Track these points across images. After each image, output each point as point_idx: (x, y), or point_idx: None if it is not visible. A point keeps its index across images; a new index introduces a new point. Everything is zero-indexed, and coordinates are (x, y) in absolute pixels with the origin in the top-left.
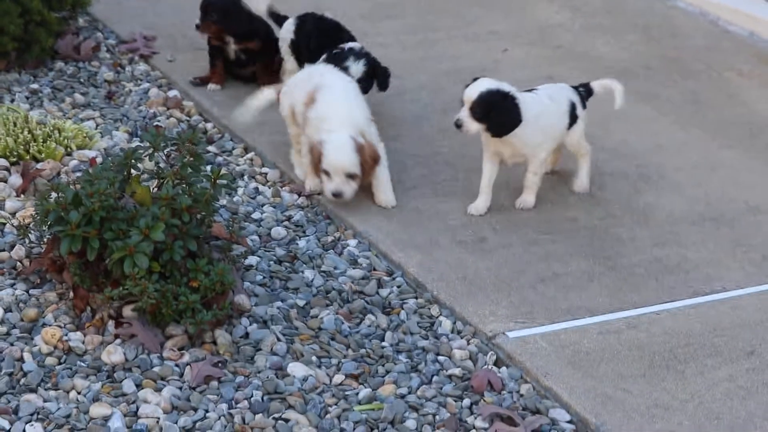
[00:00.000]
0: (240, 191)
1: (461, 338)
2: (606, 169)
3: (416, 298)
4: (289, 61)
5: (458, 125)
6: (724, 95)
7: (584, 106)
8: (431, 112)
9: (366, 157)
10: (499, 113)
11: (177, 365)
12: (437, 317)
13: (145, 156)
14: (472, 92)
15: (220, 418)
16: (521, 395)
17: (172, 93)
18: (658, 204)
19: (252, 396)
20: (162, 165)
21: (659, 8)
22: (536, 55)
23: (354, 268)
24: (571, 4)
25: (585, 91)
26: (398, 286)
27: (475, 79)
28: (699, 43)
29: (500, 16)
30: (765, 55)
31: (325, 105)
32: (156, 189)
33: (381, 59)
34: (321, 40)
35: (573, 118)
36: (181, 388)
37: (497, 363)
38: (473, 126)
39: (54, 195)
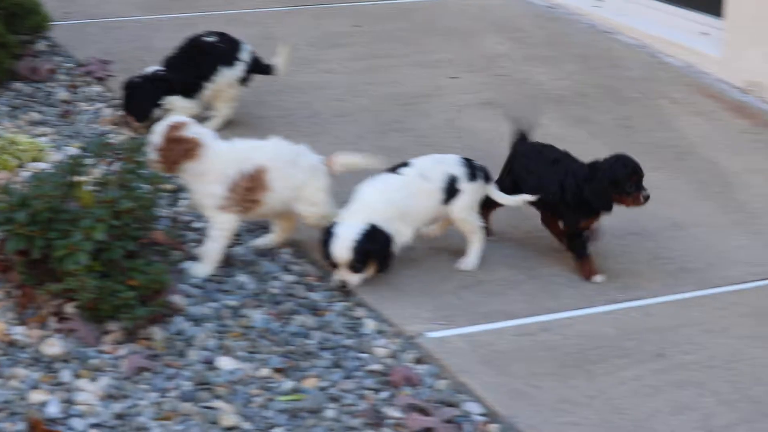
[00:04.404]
0: (182, 202)
1: (383, 338)
2: None
3: (343, 301)
4: None
5: (345, 288)
6: (655, 121)
7: None
8: (369, 132)
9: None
10: (377, 254)
11: (113, 358)
12: (362, 318)
13: (91, 164)
14: (341, 250)
15: (150, 405)
16: (437, 390)
17: None
18: None
19: (181, 386)
20: (107, 173)
21: (600, 41)
22: (478, 82)
23: (287, 274)
24: (515, 36)
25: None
26: (327, 290)
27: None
28: (636, 73)
29: (446, 46)
30: (698, 85)
31: None
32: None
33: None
34: None
35: None
36: (116, 379)
37: (417, 361)
38: (357, 279)
39: (2, 196)
